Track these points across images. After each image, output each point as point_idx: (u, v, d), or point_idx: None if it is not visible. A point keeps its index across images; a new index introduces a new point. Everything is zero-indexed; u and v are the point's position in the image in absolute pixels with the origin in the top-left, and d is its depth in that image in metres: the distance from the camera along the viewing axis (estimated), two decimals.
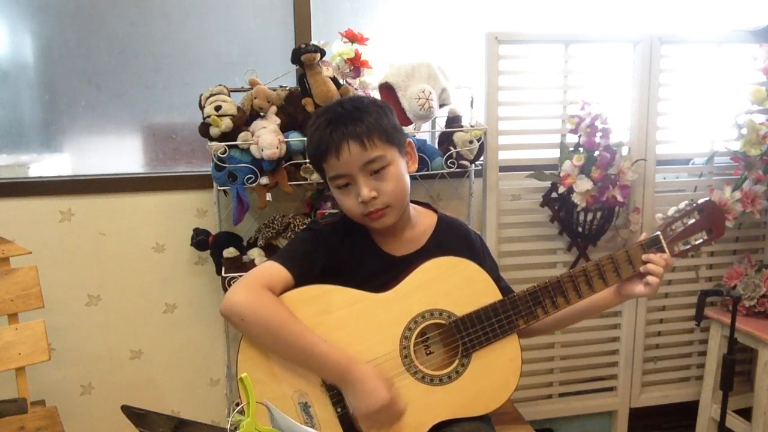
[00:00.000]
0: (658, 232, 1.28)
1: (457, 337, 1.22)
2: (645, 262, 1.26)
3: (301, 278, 1.21)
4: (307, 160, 1.72)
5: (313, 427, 1.15)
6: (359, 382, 1.13)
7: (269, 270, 1.21)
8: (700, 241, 1.30)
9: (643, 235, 1.30)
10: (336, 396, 1.18)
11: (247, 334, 1.17)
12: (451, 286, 1.23)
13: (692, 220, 1.29)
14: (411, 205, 1.31)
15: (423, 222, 1.32)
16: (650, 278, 1.25)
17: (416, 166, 1.29)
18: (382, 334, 1.20)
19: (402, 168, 1.22)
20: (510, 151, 2.05)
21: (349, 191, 1.19)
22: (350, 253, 1.26)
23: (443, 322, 1.23)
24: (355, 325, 1.20)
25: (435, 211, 1.35)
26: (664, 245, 1.27)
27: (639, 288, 1.27)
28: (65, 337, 1.93)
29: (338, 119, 1.16)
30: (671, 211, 1.31)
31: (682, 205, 1.31)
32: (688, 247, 1.30)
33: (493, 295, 1.24)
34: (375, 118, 1.17)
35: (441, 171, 1.87)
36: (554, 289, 1.25)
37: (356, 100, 1.21)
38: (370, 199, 1.17)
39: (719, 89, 2.13)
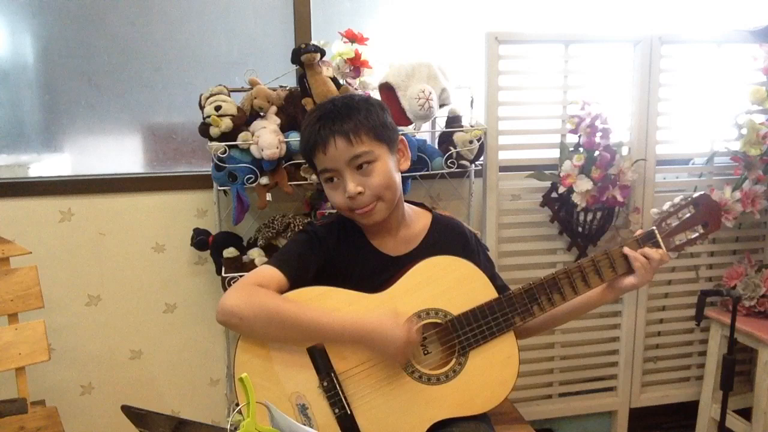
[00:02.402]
0: (654, 227, 1.28)
1: (454, 336, 1.22)
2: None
3: (296, 280, 1.21)
4: None
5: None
6: (375, 331, 1.14)
7: (262, 273, 1.21)
8: (696, 235, 1.29)
9: (638, 231, 1.30)
10: (334, 397, 1.18)
11: (250, 332, 1.17)
12: (447, 285, 1.23)
13: (688, 215, 1.29)
14: (406, 204, 1.32)
15: (418, 222, 1.32)
16: (640, 269, 1.25)
17: (408, 163, 1.29)
18: None
19: (390, 165, 1.22)
20: (510, 151, 2.05)
21: (337, 186, 1.21)
22: (346, 253, 1.27)
23: (440, 321, 1.23)
24: None
25: (430, 210, 1.35)
26: (660, 240, 1.27)
27: (630, 279, 1.27)
28: (65, 337, 1.93)
29: (327, 116, 1.19)
30: (666, 205, 1.30)
31: (677, 199, 1.30)
32: (684, 241, 1.29)
33: (489, 293, 1.25)
34: (364, 116, 1.18)
35: (441, 171, 1.87)
36: (550, 286, 1.25)
37: (348, 98, 1.23)
38: (355, 194, 1.17)
39: (719, 89, 2.13)
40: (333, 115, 1.18)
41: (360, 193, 1.17)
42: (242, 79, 1.82)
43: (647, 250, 1.25)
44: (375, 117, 1.20)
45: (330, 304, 1.19)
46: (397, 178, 1.23)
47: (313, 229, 1.29)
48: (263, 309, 1.14)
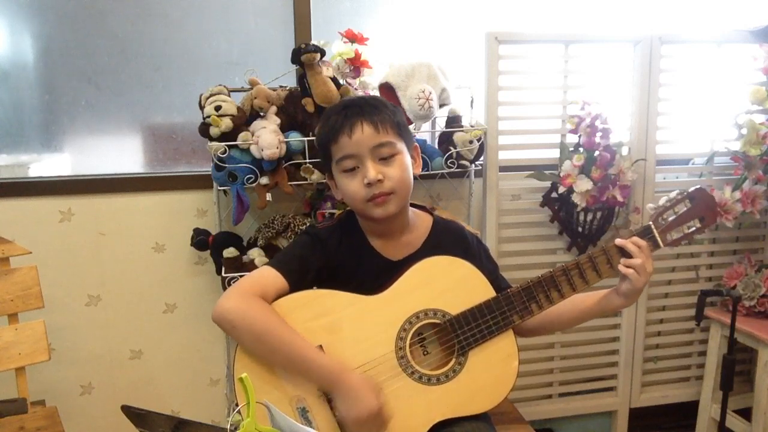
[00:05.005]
0: (650, 222, 1.28)
1: (453, 336, 1.22)
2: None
3: (297, 282, 1.22)
4: (308, 160, 1.73)
5: None
6: (351, 389, 1.13)
7: (263, 275, 1.21)
8: (693, 229, 1.29)
9: (635, 227, 1.30)
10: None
11: (239, 341, 1.18)
12: (445, 285, 1.23)
13: (684, 209, 1.28)
14: (410, 208, 1.32)
15: (420, 225, 1.33)
16: (628, 271, 1.22)
17: (420, 169, 1.32)
18: (377, 336, 1.20)
19: (408, 161, 1.24)
20: (510, 151, 2.05)
21: (355, 174, 1.21)
22: (347, 256, 1.27)
23: (438, 321, 1.23)
24: (350, 329, 1.20)
25: (430, 213, 1.36)
26: (656, 235, 1.26)
27: (626, 281, 1.24)
28: (65, 337, 1.93)
29: (356, 104, 1.22)
30: (663, 200, 1.29)
31: (673, 194, 1.29)
32: (681, 235, 1.28)
33: (488, 293, 1.25)
34: (390, 112, 1.23)
35: (441, 171, 1.87)
36: (547, 284, 1.24)
37: (374, 96, 1.35)
38: (375, 182, 1.18)
39: (719, 89, 2.13)
40: (361, 104, 1.22)
41: (380, 180, 1.19)
42: (242, 79, 1.82)
43: (636, 238, 1.23)
44: (399, 116, 1.24)
45: (329, 306, 1.20)
46: (412, 177, 1.25)
47: (315, 231, 1.29)
48: (256, 326, 1.14)
